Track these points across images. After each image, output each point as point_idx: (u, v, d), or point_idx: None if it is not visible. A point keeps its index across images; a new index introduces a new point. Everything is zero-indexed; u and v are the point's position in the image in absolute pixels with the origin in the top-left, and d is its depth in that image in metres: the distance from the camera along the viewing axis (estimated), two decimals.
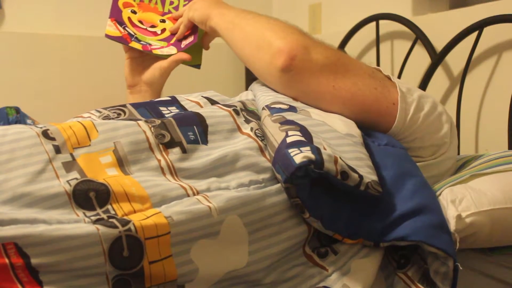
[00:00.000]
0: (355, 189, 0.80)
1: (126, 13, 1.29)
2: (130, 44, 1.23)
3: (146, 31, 1.28)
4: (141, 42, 1.24)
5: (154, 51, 1.23)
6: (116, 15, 1.28)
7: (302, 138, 0.81)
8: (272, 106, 0.93)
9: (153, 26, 1.29)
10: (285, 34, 0.98)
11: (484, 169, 0.98)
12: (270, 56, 0.97)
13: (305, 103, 0.98)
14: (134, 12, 1.30)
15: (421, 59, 1.63)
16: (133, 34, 1.26)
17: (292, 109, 0.93)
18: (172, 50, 1.24)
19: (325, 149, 0.80)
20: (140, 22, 1.29)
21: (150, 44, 1.24)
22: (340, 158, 0.80)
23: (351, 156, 0.84)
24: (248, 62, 1.06)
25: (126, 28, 1.26)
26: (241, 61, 1.10)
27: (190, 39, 1.23)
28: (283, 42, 0.96)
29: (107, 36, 1.25)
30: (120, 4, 1.30)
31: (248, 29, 1.05)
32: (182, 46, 1.24)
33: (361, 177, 0.80)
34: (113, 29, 1.26)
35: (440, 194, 0.92)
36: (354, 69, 0.98)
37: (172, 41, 1.25)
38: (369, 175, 0.81)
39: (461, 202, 0.88)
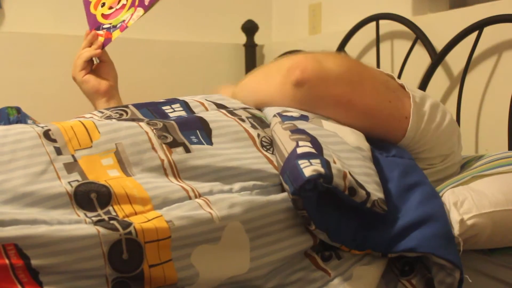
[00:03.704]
0: (361, 206, 0.80)
1: (98, 13, 1.29)
2: (112, 38, 1.23)
3: (116, 11, 1.27)
4: (117, 26, 1.24)
5: (129, 24, 1.22)
6: (93, 24, 1.28)
7: (313, 150, 0.80)
8: (284, 114, 0.92)
9: (120, 1, 1.28)
10: (289, 58, 0.98)
11: (485, 170, 0.97)
12: (282, 76, 0.95)
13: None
14: (103, 4, 1.29)
15: (421, 59, 1.63)
16: (109, 26, 1.25)
17: (303, 117, 0.92)
18: (139, 12, 1.23)
19: (334, 162, 0.79)
20: (110, 8, 1.28)
21: (124, 21, 1.23)
22: (349, 173, 0.79)
23: (360, 171, 0.83)
24: (255, 95, 1.03)
25: (103, 27, 1.26)
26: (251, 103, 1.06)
27: None
28: (291, 61, 0.95)
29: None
30: (91, 9, 1.29)
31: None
32: (146, 3, 1.22)
33: (368, 194, 0.79)
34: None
35: (441, 196, 0.92)
36: (368, 79, 0.97)
37: (137, 3, 1.24)
38: (376, 193, 0.81)
39: (463, 204, 0.88)
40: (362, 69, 0.99)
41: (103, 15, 1.27)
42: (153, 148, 0.82)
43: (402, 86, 1.00)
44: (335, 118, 0.96)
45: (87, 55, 1.24)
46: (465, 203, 0.88)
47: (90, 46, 1.24)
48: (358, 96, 0.95)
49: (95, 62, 1.28)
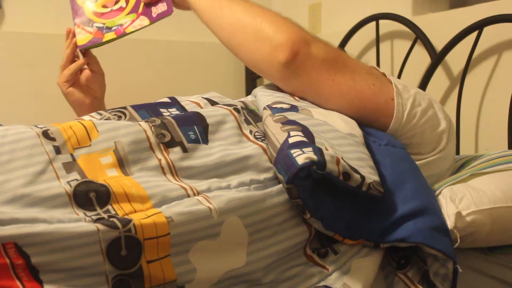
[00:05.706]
0: (357, 190, 0.80)
1: (88, 8, 1.21)
2: (103, 39, 1.17)
3: (112, 12, 1.19)
4: (112, 28, 1.17)
5: (127, 30, 1.15)
6: (79, 17, 1.21)
7: (304, 139, 0.81)
8: (274, 106, 0.93)
9: (117, 2, 1.20)
10: (285, 27, 0.97)
11: (484, 168, 0.98)
12: (272, 49, 0.96)
13: (303, 97, 0.98)
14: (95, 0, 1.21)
15: (421, 59, 1.63)
16: (102, 26, 1.18)
17: (293, 108, 0.93)
18: (144, 21, 1.15)
19: (327, 149, 0.80)
20: (104, 6, 1.21)
21: (121, 25, 1.17)
22: (342, 158, 0.79)
23: (353, 156, 0.84)
24: (238, 49, 1.02)
25: (93, 24, 1.19)
26: (225, 46, 1.05)
27: (162, 7, 1.14)
28: (285, 36, 0.95)
29: (80, 47, 1.19)
30: (79, 2, 1.22)
31: (240, 15, 1.01)
32: (154, 15, 1.15)
33: (363, 177, 0.79)
34: (83, 35, 1.19)
35: (440, 193, 0.93)
36: (352, 65, 0.99)
37: (140, 10, 1.16)
38: (371, 176, 0.81)
39: (461, 201, 0.88)
40: (346, 56, 1.01)
41: (94, 12, 1.21)
42: (151, 148, 0.82)
43: (384, 75, 1.02)
44: (320, 99, 0.97)
45: (75, 68, 1.22)
46: (464, 200, 0.88)
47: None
48: (341, 77, 0.96)
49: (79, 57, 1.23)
